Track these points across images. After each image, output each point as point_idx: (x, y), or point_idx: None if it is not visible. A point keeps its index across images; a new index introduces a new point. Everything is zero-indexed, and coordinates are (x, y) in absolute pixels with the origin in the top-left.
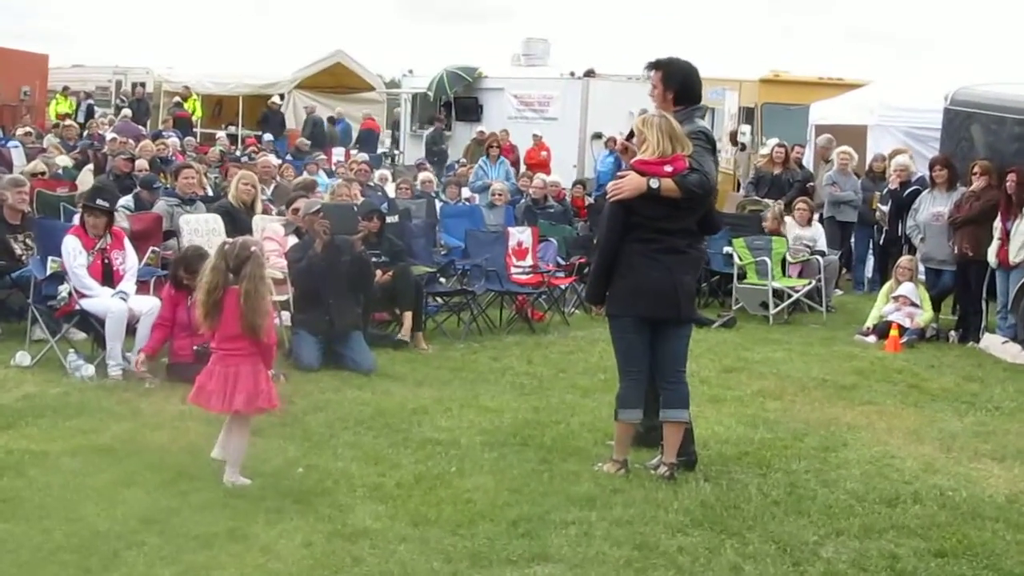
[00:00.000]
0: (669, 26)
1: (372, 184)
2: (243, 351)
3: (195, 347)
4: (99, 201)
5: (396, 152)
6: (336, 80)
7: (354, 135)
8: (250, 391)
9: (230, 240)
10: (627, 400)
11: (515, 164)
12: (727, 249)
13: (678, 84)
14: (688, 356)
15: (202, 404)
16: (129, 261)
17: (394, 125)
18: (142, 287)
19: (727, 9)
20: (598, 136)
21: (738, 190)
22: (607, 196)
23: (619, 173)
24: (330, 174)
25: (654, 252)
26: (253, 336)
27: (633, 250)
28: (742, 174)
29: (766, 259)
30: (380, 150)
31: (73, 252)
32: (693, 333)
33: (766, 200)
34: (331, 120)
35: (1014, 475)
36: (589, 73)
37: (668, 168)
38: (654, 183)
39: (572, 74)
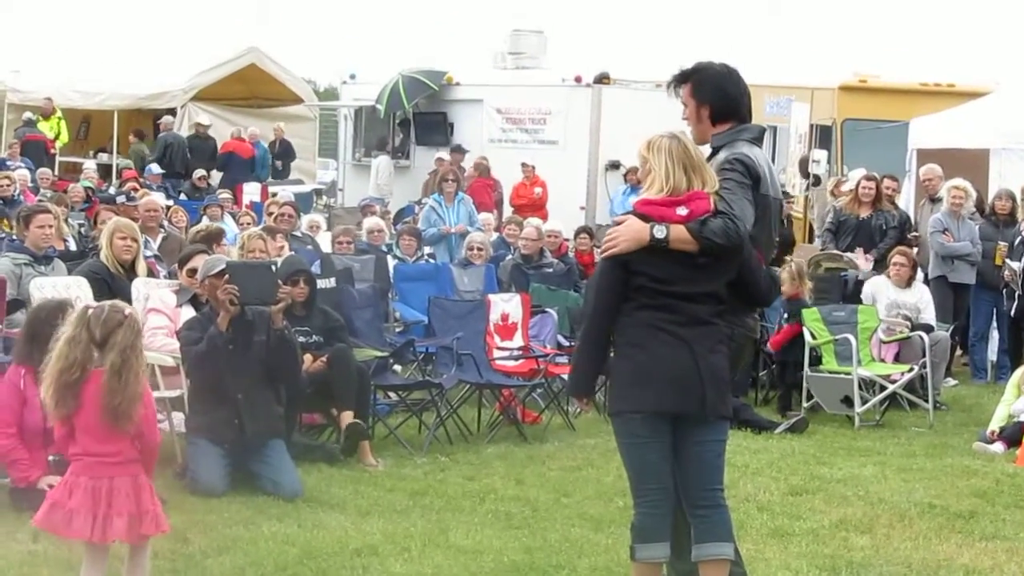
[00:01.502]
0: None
1: (299, 234)
2: (118, 458)
3: (51, 457)
4: None
5: (335, 189)
6: (249, 89)
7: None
8: (132, 512)
9: (95, 304)
10: (646, 532)
11: (498, 205)
12: None
13: (713, 96)
14: (729, 473)
15: (57, 530)
16: None
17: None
18: None
19: None
20: (615, 166)
21: (811, 240)
22: (600, 250)
23: (615, 218)
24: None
25: (666, 323)
26: (119, 428)
27: (636, 321)
28: (816, 217)
29: (850, 337)
30: (311, 185)
31: None
32: (749, 441)
33: (848, 254)
34: (199, 136)
35: None
36: (602, 78)
37: (682, 211)
38: (659, 231)
39: (578, 80)
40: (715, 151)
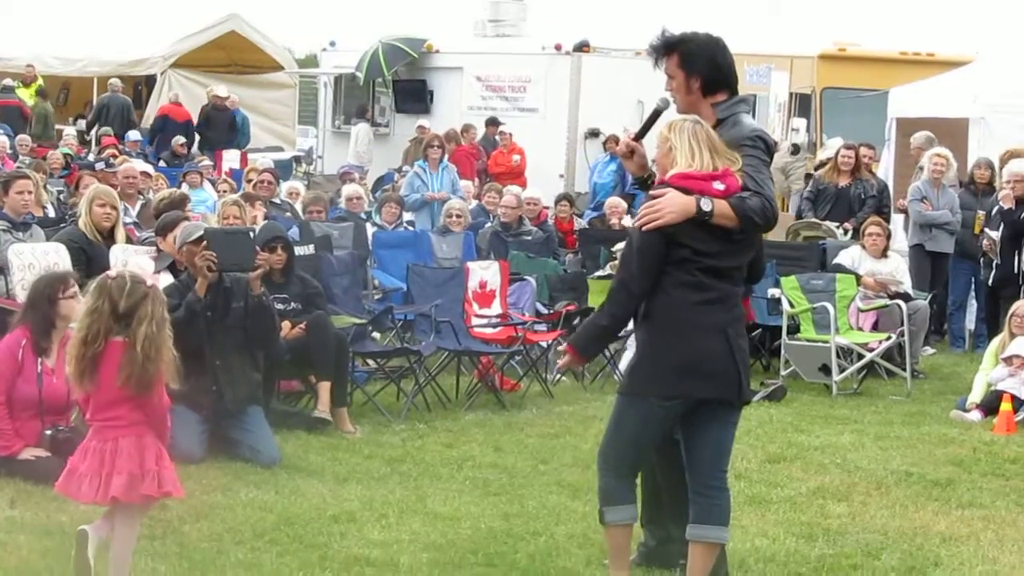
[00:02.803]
0: None
1: (278, 201)
2: (123, 420)
3: (46, 430)
4: None
5: (314, 157)
6: (228, 56)
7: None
8: (132, 472)
9: (113, 273)
10: (613, 495)
11: (479, 174)
12: (773, 292)
13: (704, 67)
14: None
15: (72, 494)
16: None
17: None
18: None
19: None
20: (594, 134)
21: (787, 209)
22: (635, 224)
23: (652, 192)
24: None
25: (705, 306)
26: (144, 394)
27: (674, 302)
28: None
29: (828, 305)
30: (291, 152)
31: None
32: None
33: (827, 222)
34: (216, 107)
35: None
36: (582, 46)
37: (719, 185)
38: (706, 204)
39: (558, 48)
40: (718, 123)
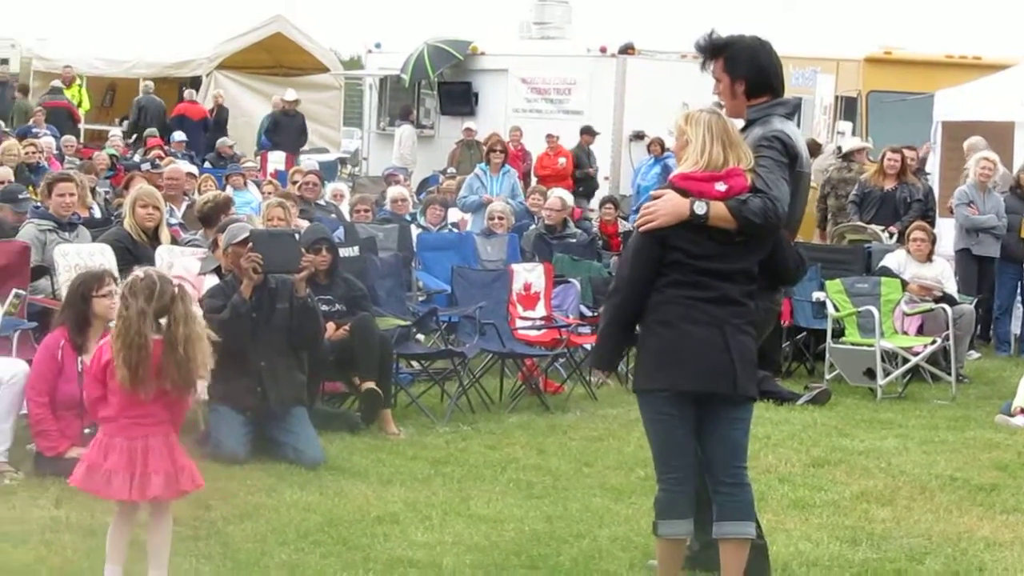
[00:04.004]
0: None
1: (322, 203)
2: (154, 419)
3: (86, 429)
4: None
5: (359, 158)
6: (274, 58)
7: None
8: (168, 470)
9: (141, 274)
10: (669, 508)
11: (525, 176)
12: (818, 295)
13: (748, 70)
14: (750, 445)
15: (97, 490)
16: None
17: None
18: (0, 345)
19: None
20: (639, 137)
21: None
22: (635, 224)
23: (653, 192)
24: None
25: (698, 301)
26: (186, 393)
27: (668, 298)
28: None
29: (872, 309)
30: (336, 154)
31: None
32: (771, 413)
33: (873, 226)
34: (286, 112)
35: None
36: (627, 49)
37: (720, 187)
38: (699, 207)
39: (603, 50)
40: (748, 124)
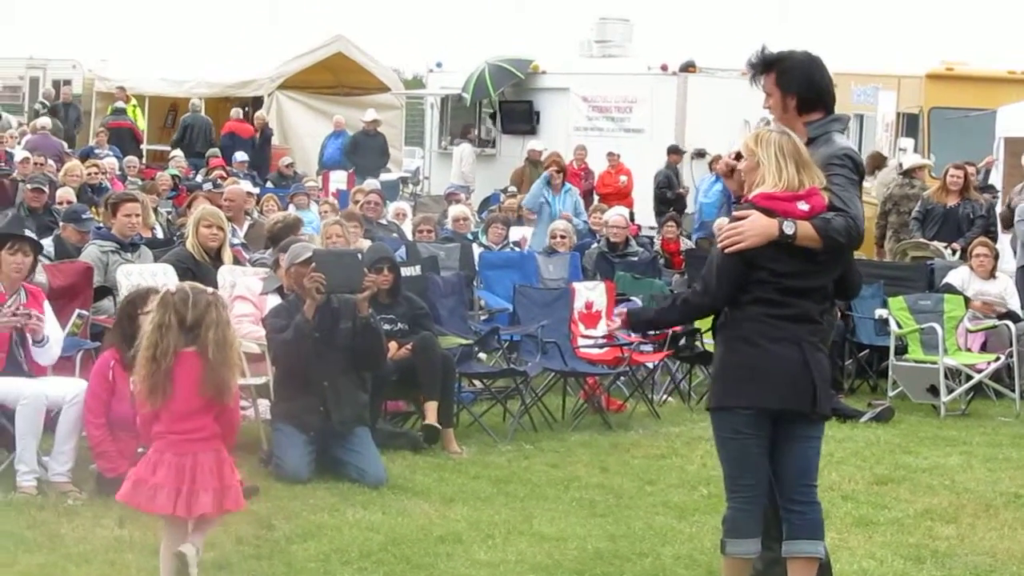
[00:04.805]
0: (795, 3)
1: (384, 222)
2: (204, 433)
3: (139, 449)
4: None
5: (420, 177)
6: (336, 77)
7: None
8: (216, 488)
9: (174, 288)
10: (738, 527)
11: (586, 195)
12: (881, 312)
13: (801, 86)
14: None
15: (142, 505)
16: (48, 328)
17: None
18: (63, 366)
19: None
20: (700, 155)
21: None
22: (718, 243)
23: (736, 212)
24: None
25: (778, 320)
26: (219, 399)
27: (748, 315)
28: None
29: (936, 326)
30: (397, 173)
31: None
32: (835, 430)
33: (935, 242)
34: (367, 132)
35: None
36: (688, 66)
37: (803, 206)
38: (788, 227)
39: (664, 68)
40: (810, 142)
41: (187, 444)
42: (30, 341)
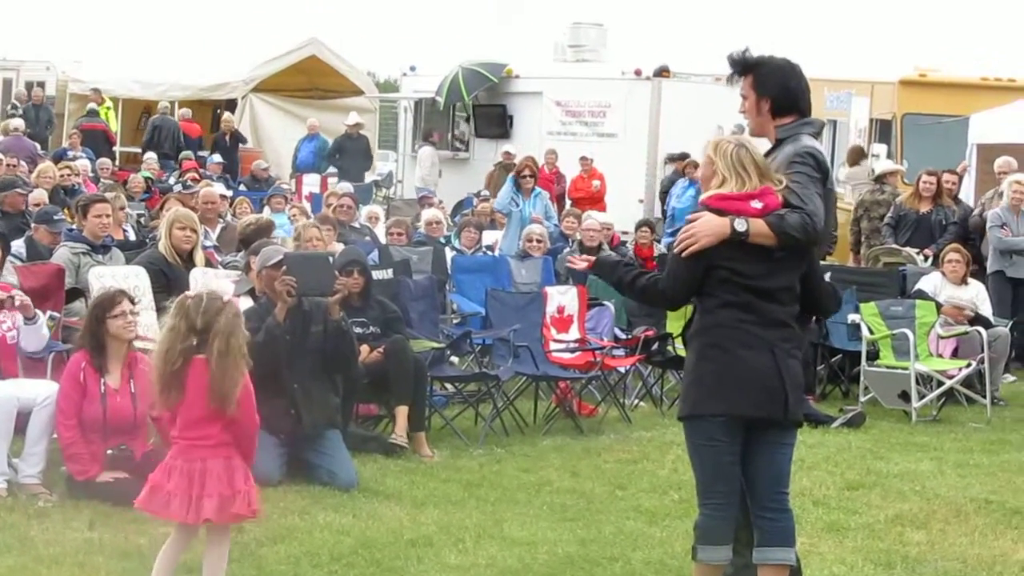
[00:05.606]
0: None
1: (357, 225)
2: (211, 441)
3: (108, 450)
4: None
5: (393, 181)
6: (309, 80)
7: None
8: (223, 494)
9: (193, 294)
10: (710, 534)
11: (559, 199)
12: (853, 318)
13: (775, 90)
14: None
15: (157, 511)
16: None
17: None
18: (35, 367)
19: None
20: (674, 159)
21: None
22: (674, 248)
23: (689, 216)
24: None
25: (750, 326)
26: (222, 408)
27: (719, 321)
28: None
29: (907, 332)
30: (369, 177)
31: None
32: (806, 435)
33: (908, 249)
34: (349, 136)
35: None
36: (662, 71)
37: (756, 204)
38: (740, 224)
39: (638, 73)
40: (778, 143)
41: (196, 450)
42: (21, 321)
